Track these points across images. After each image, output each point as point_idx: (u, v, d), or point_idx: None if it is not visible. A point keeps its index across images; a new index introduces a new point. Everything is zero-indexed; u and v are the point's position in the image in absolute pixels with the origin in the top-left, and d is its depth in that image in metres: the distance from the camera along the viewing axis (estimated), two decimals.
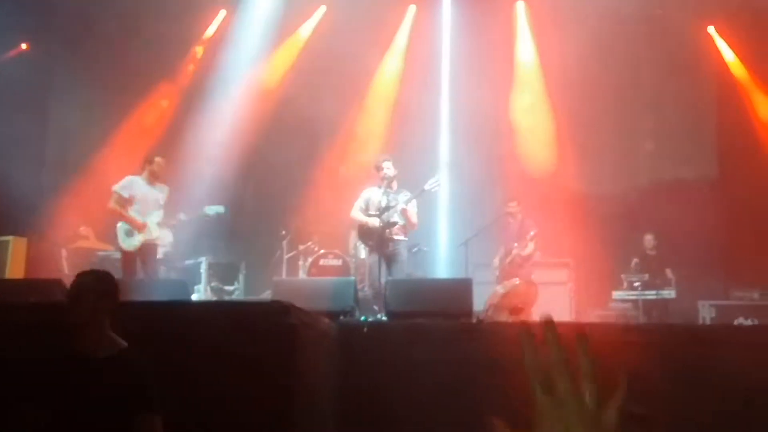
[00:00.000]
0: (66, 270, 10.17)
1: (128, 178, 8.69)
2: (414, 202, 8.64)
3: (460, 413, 5.65)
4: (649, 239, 10.55)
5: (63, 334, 3.32)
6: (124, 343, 3.38)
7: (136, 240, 8.55)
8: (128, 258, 8.59)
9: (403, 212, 8.51)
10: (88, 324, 3.30)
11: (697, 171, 11.60)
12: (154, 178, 8.76)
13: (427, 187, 8.57)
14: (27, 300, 6.02)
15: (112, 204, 8.59)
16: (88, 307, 3.30)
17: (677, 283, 10.10)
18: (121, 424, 3.17)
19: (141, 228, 8.56)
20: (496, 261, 9.85)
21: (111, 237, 9.28)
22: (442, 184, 8.63)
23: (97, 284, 3.41)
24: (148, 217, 8.64)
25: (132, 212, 8.56)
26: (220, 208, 9.40)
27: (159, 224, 8.79)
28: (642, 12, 10.89)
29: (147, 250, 8.64)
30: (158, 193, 8.83)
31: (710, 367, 5.70)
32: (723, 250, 10.84)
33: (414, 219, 8.61)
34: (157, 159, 8.81)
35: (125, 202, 8.55)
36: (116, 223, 8.64)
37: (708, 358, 5.77)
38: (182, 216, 9.20)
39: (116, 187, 8.58)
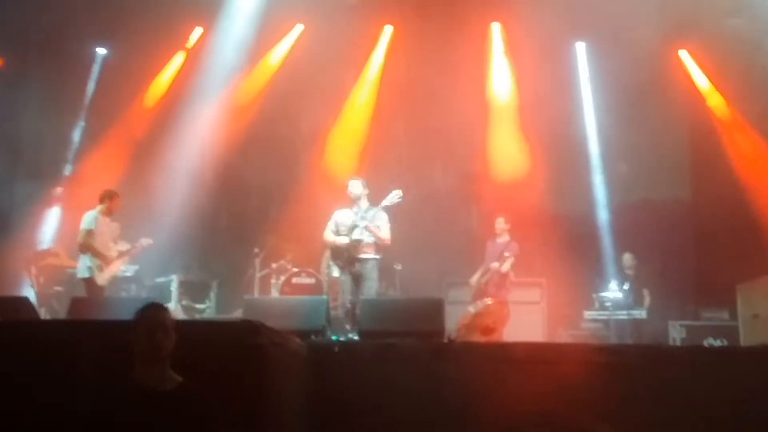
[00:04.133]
0: (35, 287, 10.07)
1: (91, 214, 8.82)
2: (383, 217, 8.61)
3: None
4: (627, 258, 10.61)
5: (129, 365, 3.28)
6: (180, 378, 3.36)
7: (107, 275, 8.81)
8: (98, 290, 8.66)
9: (368, 228, 8.48)
10: (148, 357, 3.27)
11: (669, 192, 11.72)
12: (109, 213, 8.97)
13: (385, 202, 8.54)
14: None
15: (85, 240, 8.70)
16: (161, 339, 3.27)
17: (651, 303, 10.17)
18: None
19: (109, 262, 8.84)
20: (474, 279, 9.80)
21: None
22: (405, 198, 8.58)
23: (169, 319, 3.38)
24: (109, 251, 8.92)
25: (97, 246, 8.75)
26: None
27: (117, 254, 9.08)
28: (613, 35, 11.02)
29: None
30: (113, 228, 9.15)
31: (679, 387, 5.74)
32: (693, 271, 10.93)
33: (382, 234, 8.57)
34: (117, 197, 9.02)
35: (92, 237, 8.71)
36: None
37: (678, 379, 5.80)
38: (143, 241, 9.29)
39: (85, 226, 8.74)
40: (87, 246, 8.69)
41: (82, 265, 8.74)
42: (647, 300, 10.21)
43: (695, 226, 11.07)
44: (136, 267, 9.83)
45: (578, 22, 10.90)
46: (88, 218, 8.76)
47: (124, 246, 9.33)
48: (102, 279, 8.72)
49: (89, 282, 8.65)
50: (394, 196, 8.51)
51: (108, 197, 8.94)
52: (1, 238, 10.20)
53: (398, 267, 10.36)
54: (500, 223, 9.92)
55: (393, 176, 10.90)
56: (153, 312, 3.38)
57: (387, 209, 8.57)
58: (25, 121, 11.49)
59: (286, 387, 5.25)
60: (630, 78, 11.12)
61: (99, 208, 8.86)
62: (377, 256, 8.63)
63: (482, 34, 12.20)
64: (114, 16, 11.29)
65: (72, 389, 3.24)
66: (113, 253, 8.97)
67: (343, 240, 8.47)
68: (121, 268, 9.25)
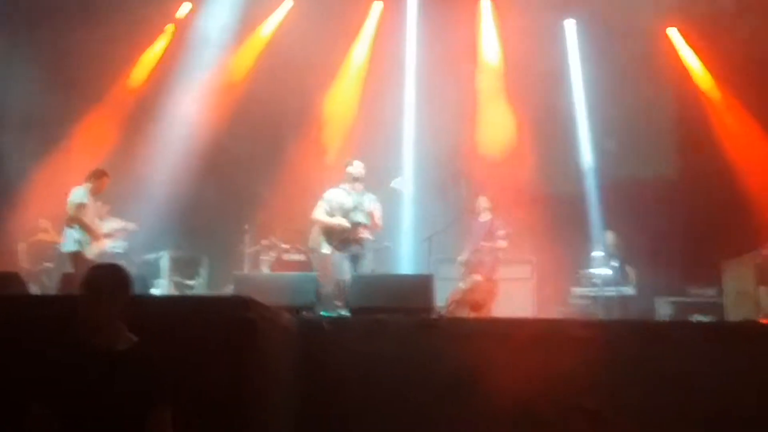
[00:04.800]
0: (25, 263, 10.06)
1: (81, 189, 8.76)
2: (378, 203, 8.67)
3: (420, 408, 5.69)
4: (610, 236, 10.68)
5: (78, 327, 3.29)
6: (135, 338, 3.37)
7: (95, 249, 8.76)
8: (87, 265, 8.63)
9: (370, 214, 8.53)
10: (106, 318, 3.28)
11: (656, 170, 11.78)
12: (96, 192, 8.91)
13: (393, 185, 8.59)
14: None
15: (75, 213, 8.64)
16: (106, 300, 3.28)
17: (637, 281, 10.25)
18: (136, 416, 3.17)
19: (98, 238, 8.83)
20: (462, 257, 9.84)
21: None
22: (407, 183, 8.68)
23: (115, 277, 3.39)
24: (97, 227, 8.93)
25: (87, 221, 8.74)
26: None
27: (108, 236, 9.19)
28: (602, 12, 11.03)
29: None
30: (99, 206, 9.13)
31: (666, 363, 5.81)
32: (680, 249, 11.01)
33: (378, 221, 8.64)
34: (105, 176, 8.95)
35: (84, 211, 8.69)
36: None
37: (664, 354, 5.87)
38: (128, 225, 9.33)
39: (76, 199, 8.66)
40: (77, 219, 8.61)
41: (69, 239, 8.65)
42: (631, 277, 10.29)
43: (682, 203, 11.12)
44: (125, 244, 9.82)
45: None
46: (79, 192, 8.69)
47: (115, 223, 9.34)
48: (91, 253, 8.65)
49: (77, 256, 8.56)
50: (400, 182, 8.61)
51: (96, 176, 8.86)
52: None
53: (388, 244, 10.39)
54: (482, 202, 9.95)
55: (383, 154, 10.92)
56: (96, 272, 3.42)
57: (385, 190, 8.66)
58: (14, 97, 11.40)
59: (276, 361, 5.29)
60: (618, 56, 11.15)
61: (87, 185, 8.80)
62: (372, 238, 8.71)
63: (471, 10, 12.18)
64: None
65: (47, 361, 3.27)
66: (101, 230, 8.97)
67: (342, 222, 8.48)
68: (110, 244, 9.25)
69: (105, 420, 3.13)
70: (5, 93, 11.24)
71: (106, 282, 3.35)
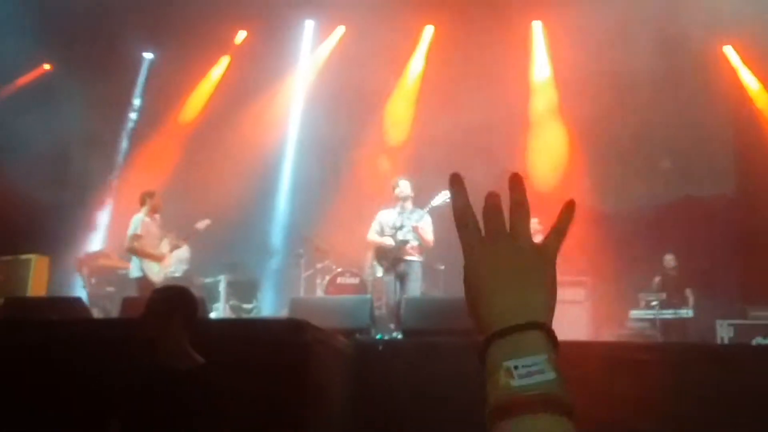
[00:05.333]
0: (87, 288, 10.32)
1: (137, 218, 9.02)
2: (428, 220, 8.64)
3: (474, 431, 5.65)
4: (669, 259, 10.49)
5: (141, 348, 3.39)
6: (202, 360, 3.44)
7: (161, 273, 9.00)
8: (148, 286, 8.84)
9: (415, 230, 8.52)
10: (164, 337, 3.36)
11: (714, 189, 11.57)
12: (154, 212, 9.14)
13: (434, 203, 8.57)
14: (50, 318, 6.12)
15: (130, 244, 8.91)
16: (161, 320, 3.36)
17: (695, 303, 10.05)
18: None
19: (161, 259, 9.03)
20: None
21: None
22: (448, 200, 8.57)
23: (171, 298, 3.48)
24: (159, 249, 9.10)
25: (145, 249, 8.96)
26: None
27: (171, 248, 9.26)
28: (657, 30, 10.92)
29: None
30: (158, 226, 9.28)
31: (728, 387, 5.68)
32: (740, 269, 10.77)
33: (427, 237, 8.59)
34: (156, 194, 9.20)
35: (139, 241, 8.91)
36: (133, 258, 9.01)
37: (726, 377, 5.74)
38: (200, 224, 9.44)
39: (130, 231, 8.92)
40: (133, 250, 8.92)
41: (133, 266, 9.00)
42: (691, 300, 10.10)
43: (741, 222, 10.90)
44: (185, 267, 10.01)
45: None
46: (134, 223, 8.98)
47: (184, 252, 9.59)
48: (156, 276, 8.89)
49: (142, 281, 8.83)
50: (443, 197, 8.50)
51: (148, 196, 9.14)
52: (54, 241, 10.46)
53: (441, 267, 10.37)
54: (534, 224, 9.86)
55: (433, 177, 10.93)
56: (153, 294, 3.50)
57: (432, 211, 8.60)
58: (74, 126, 11.77)
59: (330, 384, 5.33)
60: (674, 74, 11.02)
61: (143, 210, 9.07)
62: (421, 258, 8.71)
63: (523, 32, 12.19)
64: (160, 21, 11.54)
65: (115, 380, 3.37)
66: (164, 251, 9.16)
67: (389, 241, 8.53)
68: (171, 268, 9.42)
69: None
70: (65, 121, 11.60)
71: (175, 302, 3.44)
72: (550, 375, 0.85)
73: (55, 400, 4.42)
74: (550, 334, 0.90)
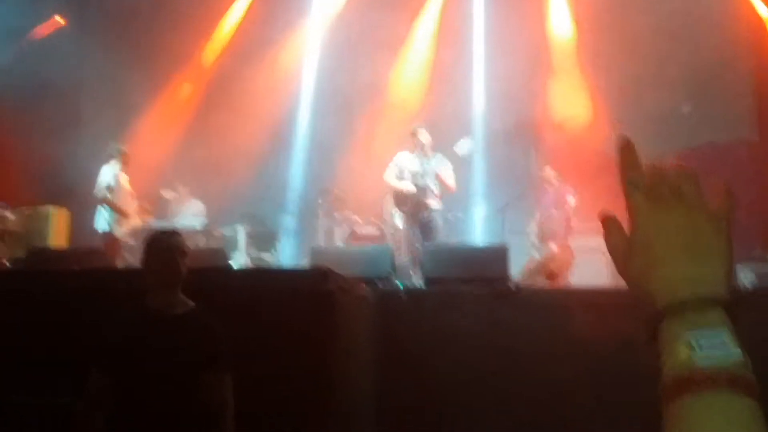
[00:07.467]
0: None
1: (108, 169, 9.06)
2: (449, 166, 8.60)
3: (496, 378, 5.68)
4: None
5: (135, 296, 3.40)
6: (192, 303, 3.46)
7: (125, 228, 9.14)
8: (116, 243, 8.97)
9: (437, 177, 8.48)
10: (176, 283, 3.38)
11: (735, 134, 11.40)
12: (126, 167, 9.20)
13: (456, 148, 8.50)
14: (71, 268, 6.16)
15: (104, 196, 8.96)
16: (179, 266, 3.38)
17: None
18: (194, 380, 3.26)
19: (128, 216, 9.18)
20: (532, 226, 9.75)
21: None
22: (473, 147, 8.46)
23: (183, 244, 3.49)
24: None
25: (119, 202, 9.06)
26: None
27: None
28: None
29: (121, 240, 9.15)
30: (193, 206, 9.63)
31: (752, 331, 5.64)
32: (763, 214, 10.66)
33: (450, 182, 8.57)
34: (125, 150, 9.25)
35: (112, 194, 8.99)
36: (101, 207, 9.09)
37: (749, 322, 5.70)
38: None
39: (104, 182, 8.97)
40: (108, 202, 8.99)
41: (101, 219, 9.03)
42: None
43: (763, 166, 10.75)
44: (203, 220, 10.04)
45: None
46: (106, 173, 9.03)
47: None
48: (119, 232, 9.02)
49: (108, 236, 8.96)
50: (464, 145, 8.43)
51: (121, 152, 9.21)
52: (69, 196, 10.47)
53: (460, 215, 10.34)
54: (547, 171, 9.81)
55: (452, 123, 10.84)
56: (167, 239, 3.49)
57: (453, 156, 8.56)
58: (87, 79, 11.73)
59: (355, 332, 5.35)
60: (689, 14, 10.78)
61: (115, 163, 9.11)
62: (441, 206, 8.69)
63: None
64: None
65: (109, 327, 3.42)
66: (131, 208, 9.26)
67: (409, 186, 8.48)
68: (141, 222, 9.48)
69: (160, 380, 3.21)
70: (80, 75, 11.54)
71: (179, 249, 3.43)
72: (736, 351, 0.80)
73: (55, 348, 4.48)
74: (731, 309, 0.84)
